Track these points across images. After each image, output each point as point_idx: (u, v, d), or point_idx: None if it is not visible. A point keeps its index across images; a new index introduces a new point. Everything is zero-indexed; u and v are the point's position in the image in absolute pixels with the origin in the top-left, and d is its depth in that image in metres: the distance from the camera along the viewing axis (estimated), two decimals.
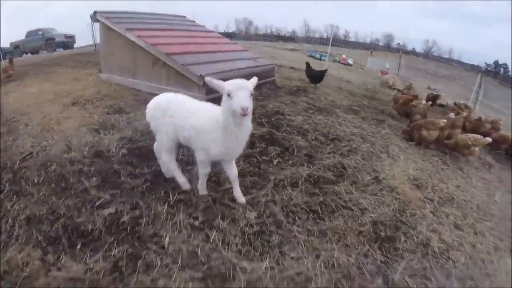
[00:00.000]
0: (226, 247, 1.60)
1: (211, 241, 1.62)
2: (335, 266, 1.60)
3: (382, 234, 1.93)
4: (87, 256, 1.47)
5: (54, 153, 2.43)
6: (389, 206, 2.24)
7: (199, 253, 1.52)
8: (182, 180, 2.04)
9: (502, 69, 70.53)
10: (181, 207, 1.87)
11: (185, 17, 6.62)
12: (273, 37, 43.50)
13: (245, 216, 1.82)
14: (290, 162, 2.63)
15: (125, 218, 1.71)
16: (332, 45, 19.77)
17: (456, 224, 2.34)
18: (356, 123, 4.16)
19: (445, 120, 3.90)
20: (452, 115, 4.35)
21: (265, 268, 1.49)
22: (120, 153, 2.48)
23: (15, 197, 1.91)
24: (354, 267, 1.62)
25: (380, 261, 1.72)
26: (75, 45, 16.10)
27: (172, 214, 1.80)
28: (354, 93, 6.73)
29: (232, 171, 1.93)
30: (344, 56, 17.73)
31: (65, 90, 4.44)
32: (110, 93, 4.20)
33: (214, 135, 1.68)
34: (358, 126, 4.03)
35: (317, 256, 1.64)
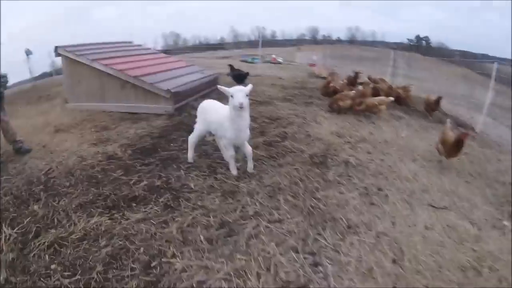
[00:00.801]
0: (227, 180, 2.96)
1: (218, 178, 2.98)
2: (292, 176, 3.06)
3: (317, 160, 3.47)
4: (141, 208, 2.65)
5: (72, 164, 3.49)
6: (319, 147, 3.82)
7: (214, 185, 2.86)
8: (189, 154, 3.38)
9: (424, 42, 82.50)
10: (192, 169, 3.20)
11: (131, 42, 8.17)
12: (203, 48, 45.93)
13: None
14: None
15: (158, 182, 2.95)
16: (261, 46, 22.16)
17: (368, 151, 3.99)
18: (291, 107, 5.81)
19: (354, 91, 5.76)
20: (360, 87, 6.28)
21: (246, 180, 2.87)
22: (126, 154, 3.66)
23: (56, 197, 2.94)
24: (303, 177, 3.10)
25: (317, 173, 3.22)
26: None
27: (188, 174, 3.11)
28: (286, 86, 8.54)
29: (247, 150, 3.04)
30: (273, 56, 20.03)
31: (40, 122, 5.33)
32: (86, 118, 5.29)
33: (226, 125, 2.91)
34: (293, 109, 5.68)
35: (281, 174, 3.09)
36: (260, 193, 2.73)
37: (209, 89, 6.85)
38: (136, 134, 4.35)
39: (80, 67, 5.79)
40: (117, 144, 3.98)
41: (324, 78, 10.33)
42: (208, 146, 3.83)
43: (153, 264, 1.95)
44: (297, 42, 50.43)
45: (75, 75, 5.96)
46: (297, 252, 2.06)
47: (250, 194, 2.72)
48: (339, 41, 64.83)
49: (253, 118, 4.89)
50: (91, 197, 2.80)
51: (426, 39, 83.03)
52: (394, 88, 7.61)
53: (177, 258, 1.96)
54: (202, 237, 2.14)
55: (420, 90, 10.15)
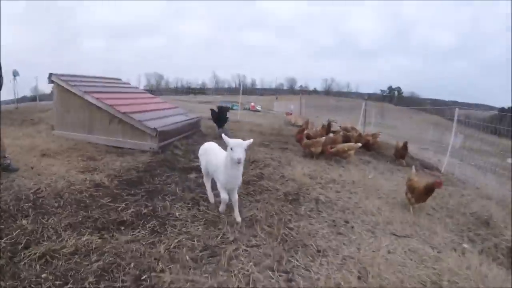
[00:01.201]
0: (209, 211, 3.28)
1: (201, 210, 3.29)
2: (267, 210, 3.42)
3: (290, 197, 3.86)
4: (130, 232, 2.90)
5: (61, 187, 3.67)
6: (292, 187, 4.23)
7: (197, 215, 3.17)
8: (210, 195, 3.58)
9: (396, 92, 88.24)
10: (177, 200, 3.50)
11: (120, 79, 8.71)
12: (184, 90, 47.31)
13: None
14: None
15: (145, 210, 3.22)
16: (241, 94, 23.26)
17: (336, 190, 4.43)
18: (267, 152, 6.28)
19: (324, 138, 6.35)
20: (331, 134, 6.91)
21: (226, 212, 3.20)
22: (113, 183, 3.91)
23: (45, 215, 3.08)
24: (277, 210, 3.47)
25: (290, 208, 3.60)
26: None
27: (173, 204, 3.40)
28: (263, 133, 9.12)
29: (234, 197, 3.15)
30: (252, 103, 21.12)
31: (26, 144, 5.47)
32: (72, 147, 5.54)
33: (222, 169, 3.14)
34: (269, 153, 6.15)
35: (257, 208, 3.44)
36: (239, 223, 3.06)
37: (192, 130, 7.31)
38: (122, 166, 4.62)
39: (72, 97, 6.17)
40: (104, 174, 4.22)
41: (299, 126, 11.07)
42: (191, 182, 4.19)
43: (143, 277, 2.17)
44: (275, 92, 53.02)
45: (65, 104, 6.31)
46: (273, 270, 2.36)
47: (230, 223, 3.02)
48: (315, 91, 68.49)
49: None
50: (80, 219, 3.00)
51: (398, 89, 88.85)
52: (364, 136, 8.35)
53: (166, 273, 2.21)
54: (187, 257, 2.41)
55: (392, 137, 11.02)
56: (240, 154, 2.81)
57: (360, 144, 6.58)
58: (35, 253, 2.39)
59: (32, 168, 4.34)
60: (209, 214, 3.23)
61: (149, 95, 8.59)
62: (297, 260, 2.53)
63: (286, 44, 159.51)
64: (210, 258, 2.44)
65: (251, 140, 3.04)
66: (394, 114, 21.93)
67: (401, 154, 7.12)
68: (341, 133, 7.73)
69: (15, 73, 16.14)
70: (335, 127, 10.75)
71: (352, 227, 3.29)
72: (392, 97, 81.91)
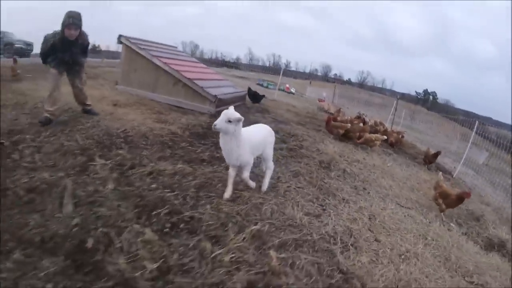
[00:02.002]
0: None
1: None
2: (307, 168, 4.64)
3: (323, 165, 5.05)
4: (211, 167, 4.18)
5: (144, 130, 4.76)
6: (325, 158, 5.40)
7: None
8: None
9: (431, 97, 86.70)
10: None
11: (176, 47, 9.91)
12: (218, 63, 48.47)
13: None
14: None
15: (217, 155, 4.48)
16: (274, 74, 24.33)
17: (359, 168, 5.60)
18: (304, 130, 7.45)
19: (349, 124, 7.46)
20: (361, 124, 8.02)
21: (276, 167, 4.43)
22: (185, 134, 5.07)
23: (137, 149, 4.03)
24: (314, 170, 4.68)
25: (324, 171, 4.81)
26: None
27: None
28: (299, 114, 10.26)
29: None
30: (287, 85, 22.06)
31: (96, 95, 6.43)
32: (138, 101, 6.56)
33: None
34: (305, 131, 7.31)
35: (300, 167, 4.66)
36: (287, 174, 4.29)
37: (239, 102, 8.55)
38: (188, 122, 5.73)
39: (139, 58, 7.21)
40: (176, 126, 5.31)
41: (331, 113, 12.15)
42: None
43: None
44: (309, 76, 53.33)
45: (132, 64, 7.36)
46: (313, 202, 3.58)
47: (281, 172, 4.28)
48: (349, 82, 68.30)
49: (276, 132, 6.56)
50: (168, 154, 4.12)
51: (434, 94, 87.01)
52: (390, 132, 9.40)
53: (245, 192, 3.43)
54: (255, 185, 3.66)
55: (418, 140, 12.04)
56: (217, 120, 2.88)
57: (385, 137, 7.68)
58: (143, 171, 3.46)
59: (111, 114, 5.36)
60: None
61: (203, 65, 9.77)
62: (329, 201, 3.75)
63: (323, 29, 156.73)
64: (272, 188, 3.68)
65: (232, 111, 2.98)
66: (424, 118, 22.45)
67: (429, 161, 7.92)
68: (369, 123, 8.80)
69: (117, 41, 17.59)
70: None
71: (368, 192, 4.47)
72: (426, 101, 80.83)
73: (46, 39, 4.42)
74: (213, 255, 2.32)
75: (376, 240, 3.16)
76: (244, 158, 3.17)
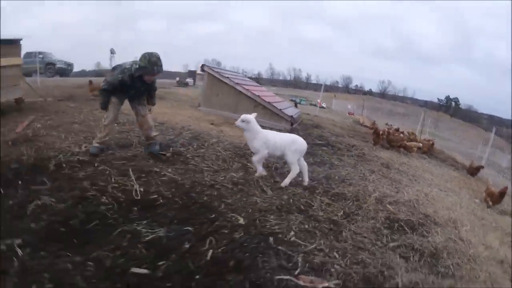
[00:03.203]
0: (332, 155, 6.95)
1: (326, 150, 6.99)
2: (377, 170, 7.01)
3: (385, 165, 7.42)
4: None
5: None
6: (383, 161, 7.76)
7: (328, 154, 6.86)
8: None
9: (453, 103, 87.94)
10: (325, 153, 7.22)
11: (246, 74, 12.80)
12: None
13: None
14: (329, 150, 8.05)
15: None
16: (295, 87, 26.92)
17: (407, 167, 7.92)
18: (356, 141, 9.83)
19: (402, 136, 9.82)
20: (402, 135, 10.37)
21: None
22: None
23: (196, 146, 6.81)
24: (378, 168, 7.05)
25: (385, 169, 7.15)
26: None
27: (324, 152, 7.11)
28: (343, 128, 12.69)
29: (301, 164, 4.61)
30: (319, 100, 24.62)
31: (188, 114, 8.61)
32: (226, 121, 8.34)
33: None
34: (357, 142, 9.68)
35: (372, 171, 7.05)
36: (366, 171, 6.64)
37: (300, 119, 11.02)
38: None
39: (221, 84, 9.47)
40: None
41: (367, 126, 14.54)
42: (322, 149, 7.83)
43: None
44: (330, 89, 55.84)
45: (215, 89, 9.67)
46: (390, 187, 5.93)
47: (363, 170, 6.64)
48: (370, 92, 70.59)
49: (339, 143, 8.95)
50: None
51: (456, 100, 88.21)
52: (421, 140, 11.72)
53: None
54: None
55: (444, 147, 14.24)
56: (237, 121, 4.35)
57: (421, 144, 10.00)
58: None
59: (221, 131, 7.50)
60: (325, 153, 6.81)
61: (264, 88, 12.35)
62: (398, 187, 6.07)
63: (342, 40, 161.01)
64: (363, 181, 6.04)
65: (253, 115, 4.45)
66: (448, 125, 24.66)
67: (472, 173, 9.28)
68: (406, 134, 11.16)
69: (112, 51, 20.29)
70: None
71: (419, 182, 6.73)
72: (449, 107, 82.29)
73: (115, 77, 4.23)
74: None
75: (433, 205, 5.46)
76: (254, 146, 4.43)
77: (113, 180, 3.63)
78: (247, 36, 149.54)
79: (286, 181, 4.46)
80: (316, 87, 57.56)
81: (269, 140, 4.43)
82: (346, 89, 72.30)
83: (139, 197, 3.33)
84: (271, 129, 7.02)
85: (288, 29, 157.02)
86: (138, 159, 4.46)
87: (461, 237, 3.90)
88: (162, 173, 4.02)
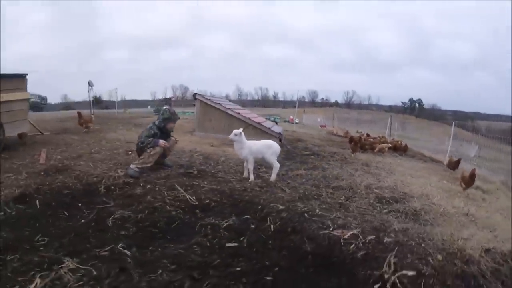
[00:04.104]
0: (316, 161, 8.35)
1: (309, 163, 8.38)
2: (360, 168, 8.46)
3: (365, 164, 8.90)
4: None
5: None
6: (363, 161, 9.24)
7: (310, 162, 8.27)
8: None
9: (417, 104, 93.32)
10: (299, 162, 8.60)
11: (224, 98, 13.90)
12: None
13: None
14: (316, 158, 9.47)
15: (305, 166, 8.27)
16: (263, 106, 28.61)
17: (383, 164, 9.44)
18: (336, 149, 11.34)
19: (372, 139, 11.44)
20: (371, 139, 12.03)
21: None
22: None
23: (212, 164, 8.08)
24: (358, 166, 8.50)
25: (365, 166, 8.61)
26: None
27: (320, 160, 8.49)
28: (321, 139, 14.28)
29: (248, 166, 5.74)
30: (291, 117, 26.30)
31: (186, 139, 9.74)
32: (223, 142, 9.90)
33: None
34: (337, 149, 11.20)
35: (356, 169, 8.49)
36: (352, 170, 8.04)
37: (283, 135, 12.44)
38: None
39: (213, 110, 10.88)
40: None
41: (341, 136, 16.24)
42: (308, 158, 9.20)
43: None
44: (298, 104, 58.42)
45: (207, 115, 11.04)
46: (373, 177, 7.34)
47: (350, 169, 8.04)
48: (336, 104, 74.17)
49: (323, 152, 10.37)
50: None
51: (419, 101, 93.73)
52: (392, 141, 13.47)
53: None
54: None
55: (414, 146, 16.01)
56: (230, 135, 5.59)
57: (390, 145, 11.69)
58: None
59: (224, 151, 8.89)
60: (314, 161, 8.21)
61: (248, 110, 13.74)
62: (379, 177, 7.49)
63: (306, 57, 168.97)
64: (351, 176, 7.41)
65: (241, 129, 5.67)
66: (415, 126, 26.87)
67: (453, 167, 10.07)
68: (377, 138, 12.87)
69: (90, 84, 21.04)
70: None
71: (394, 174, 8.23)
72: (413, 109, 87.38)
73: (149, 131, 5.91)
74: None
75: (408, 187, 6.83)
76: (243, 154, 5.64)
77: (165, 194, 4.69)
78: (212, 60, 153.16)
79: (273, 176, 5.78)
80: (284, 104, 60.48)
81: (251, 148, 5.62)
82: (313, 103, 75.85)
83: (196, 203, 4.46)
84: None
85: (252, 50, 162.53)
86: (173, 177, 5.58)
87: (433, 202, 5.37)
88: (201, 185, 5.17)
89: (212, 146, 9.40)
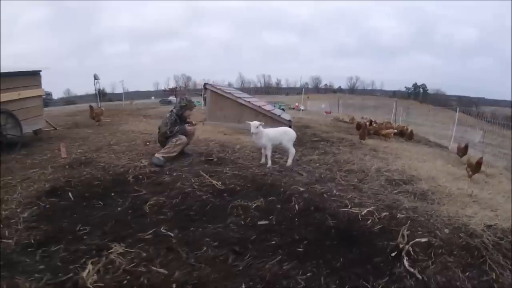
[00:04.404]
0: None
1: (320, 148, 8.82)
2: (369, 153, 8.90)
3: (373, 149, 9.33)
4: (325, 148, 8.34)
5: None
6: (371, 146, 9.68)
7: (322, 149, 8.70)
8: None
9: (421, 89, 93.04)
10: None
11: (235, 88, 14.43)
12: None
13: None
14: (326, 143, 9.90)
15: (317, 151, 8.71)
16: (266, 94, 28.91)
17: (390, 149, 9.87)
18: (344, 135, 11.75)
19: (376, 125, 11.85)
20: (375, 124, 12.43)
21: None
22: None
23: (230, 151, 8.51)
24: (367, 148, 8.93)
25: (373, 151, 9.04)
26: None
27: (328, 146, 8.93)
28: (328, 125, 14.68)
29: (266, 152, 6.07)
30: (297, 104, 26.61)
31: (200, 129, 9.04)
32: (237, 131, 10.10)
33: None
34: (345, 136, 11.61)
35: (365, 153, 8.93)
36: (363, 155, 8.46)
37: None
38: None
39: (224, 99, 11.11)
40: None
41: (346, 122, 16.64)
42: (318, 143, 9.63)
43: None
44: (300, 91, 58.53)
45: (218, 104, 11.30)
46: (382, 161, 7.77)
47: (362, 155, 8.47)
48: (340, 90, 74.12)
49: (332, 138, 10.80)
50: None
51: (423, 86, 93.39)
52: (397, 126, 13.88)
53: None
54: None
55: (418, 132, 16.39)
56: (251, 128, 5.66)
57: (396, 130, 12.10)
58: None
59: (238, 139, 9.25)
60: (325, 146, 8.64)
61: (257, 98, 14.13)
62: (388, 161, 7.93)
63: (307, 43, 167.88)
64: (361, 160, 7.84)
65: (260, 122, 5.80)
66: (419, 111, 27.14)
67: (462, 153, 9.62)
68: (383, 124, 13.27)
69: (96, 77, 21.49)
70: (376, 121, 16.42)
71: (400, 158, 8.65)
72: (418, 94, 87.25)
73: (171, 119, 6.16)
74: None
75: (415, 170, 7.24)
76: (263, 142, 5.91)
77: (192, 180, 5.04)
78: (213, 49, 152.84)
79: (289, 161, 6.16)
80: (287, 91, 60.58)
81: (269, 135, 5.92)
82: (316, 89, 75.99)
83: (223, 187, 4.86)
84: None
85: (253, 38, 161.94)
86: (195, 164, 5.98)
87: (439, 184, 5.82)
88: (224, 171, 5.59)
89: (225, 134, 9.76)
